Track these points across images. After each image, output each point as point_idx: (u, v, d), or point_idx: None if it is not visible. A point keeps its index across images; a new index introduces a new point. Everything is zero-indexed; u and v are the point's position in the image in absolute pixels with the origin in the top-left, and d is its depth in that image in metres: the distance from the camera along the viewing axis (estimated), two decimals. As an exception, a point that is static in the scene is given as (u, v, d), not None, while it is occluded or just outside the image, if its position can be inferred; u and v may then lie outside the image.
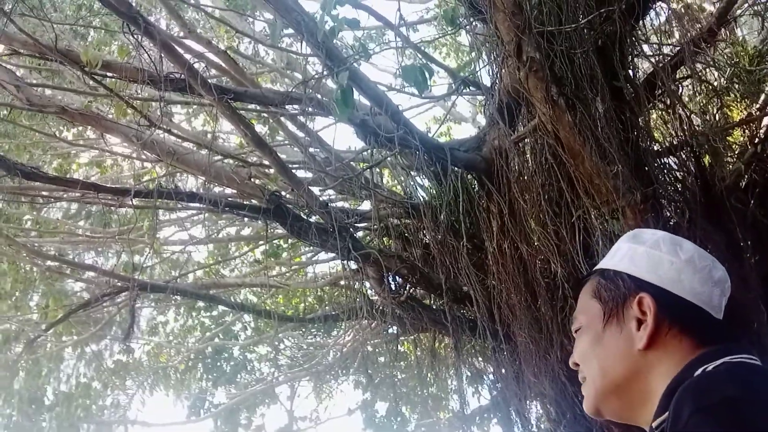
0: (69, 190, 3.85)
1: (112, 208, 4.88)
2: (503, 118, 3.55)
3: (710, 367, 0.91)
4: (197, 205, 3.75)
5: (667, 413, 0.88)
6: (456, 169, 3.90)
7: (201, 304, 7.92)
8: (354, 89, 3.01)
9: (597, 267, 1.17)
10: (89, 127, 4.16)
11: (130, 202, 3.71)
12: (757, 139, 4.32)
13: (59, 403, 8.52)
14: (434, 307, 4.51)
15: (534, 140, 3.41)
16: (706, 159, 4.14)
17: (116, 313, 5.86)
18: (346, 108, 2.74)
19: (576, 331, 1.14)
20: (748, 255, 4.24)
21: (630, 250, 1.10)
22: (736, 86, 4.74)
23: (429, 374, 7.47)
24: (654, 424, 0.93)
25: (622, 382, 1.02)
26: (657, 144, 4.09)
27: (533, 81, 3.08)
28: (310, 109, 3.54)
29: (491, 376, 6.05)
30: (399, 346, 7.27)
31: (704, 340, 0.99)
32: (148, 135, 3.59)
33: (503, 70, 3.53)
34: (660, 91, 4.05)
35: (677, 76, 4.27)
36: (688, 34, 4.02)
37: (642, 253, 1.08)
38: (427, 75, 2.67)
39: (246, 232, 7.51)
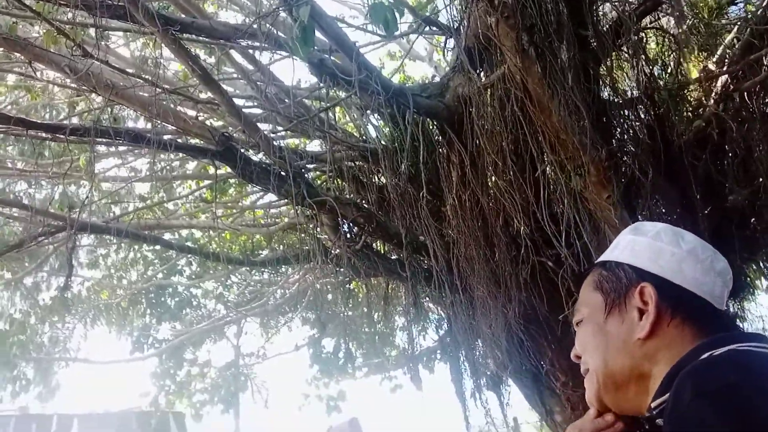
0: (-5, 123, 3.49)
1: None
2: (468, 65, 3.38)
3: (716, 352, 0.90)
4: (139, 145, 3.46)
5: (667, 395, 0.88)
6: (416, 115, 3.74)
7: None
8: (314, 26, 2.77)
9: (599, 260, 1.16)
10: (15, 53, 3.75)
11: (65, 139, 3.39)
12: (714, 96, 4.31)
13: (-7, 340, 8.20)
14: (390, 256, 4.43)
15: (500, 90, 3.26)
16: (666, 114, 4.12)
17: (53, 251, 5.54)
18: (306, 47, 2.51)
19: (578, 324, 1.13)
20: (698, 208, 4.31)
21: (631, 241, 1.10)
22: (695, 38, 4.70)
23: (378, 314, 7.53)
24: (653, 405, 0.93)
25: (624, 372, 1.01)
26: (618, 97, 4.03)
27: (504, 28, 2.91)
28: (263, 44, 3.26)
29: (440, 319, 6.13)
30: (349, 285, 7.25)
31: (707, 330, 0.98)
32: (82, 66, 3.25)
33: (471, 14, 3.33)
34: (623, 40, 3.95)
35: (641, 26, 4.18)
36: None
37: (644, 244, 1.07)
38: (397, 15, 2.45)
39: (191, 165, 7.18)
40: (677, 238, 1.06)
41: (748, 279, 5.07)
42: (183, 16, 3.80)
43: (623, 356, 1.01)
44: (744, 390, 0.79)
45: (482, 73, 3.62)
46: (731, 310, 5.13)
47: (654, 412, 0.93)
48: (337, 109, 6.23)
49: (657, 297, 1.00)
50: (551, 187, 3.30)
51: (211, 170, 6.44)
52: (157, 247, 8.64)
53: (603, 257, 1.14)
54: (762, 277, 5.44)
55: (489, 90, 3.36)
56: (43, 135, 3.81)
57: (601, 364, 1.04)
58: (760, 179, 4.08)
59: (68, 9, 3.07)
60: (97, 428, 11.64)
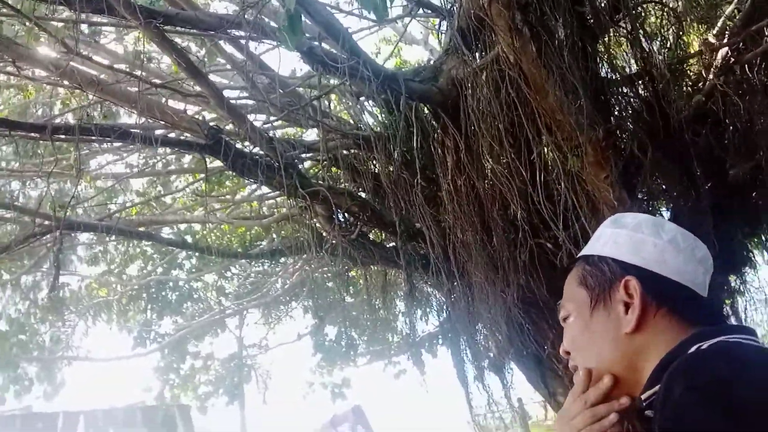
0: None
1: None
2: (461, 47, 3.29)
3: (705, 345, 0.88)
4: (127, 141, 3.39)
5: (657, 387, 0.87)
6: (410, 100, 3.66)
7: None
8: (302, 14, 2.68)
9: (581, 254, 1.14)
10: (-2, 51, 3.66)
11: (49, 138, 3.32)
12: (715, 69, 4.22)
13: (-6, 341, 8.16)
14: (386, 244, 4.37)
15: (494, 72, 3.18)
16: (665, 89, 4.04)
17: (48, 251, 5.47)
18: (294, 36, 2.43)
19: (564, 320, 1.12)
20: (699, 184, 4.24)
21: (613, 234, 1.08)
22: (695, 11, 4.61)
23: (378, 301, 7.49)
24: (642, 397, 0.92)
25: (614, 367, 0.99)
26: (616, 74, 3.95)
27: (497, 7, 2.83)
28: (251, 35, 3.18)
29: (441, 303, 6.10)
30: (348, 273, 7.21)
31: (693, 319, 0.97)
32: (65, 63, 3.17)
33: (463, -6, 3.24)
34: (621, 15, 3.86)
35: (639, 0, 4.09)
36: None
37: (625, 236, 1.06)
38: (387, 0, 2.37)
39: (188, 159, 7.09)
40: (657, 229, 1.05)
41: (750, 253, 5.02)
42: (169, 7, 3.71)
43: (611, 351, 1.00)
44: (734, 383, 0.78)
45: (476, 55, 3.54)
46: (733, 284, 5.10)
47: (643, 404, 0.92)
48: (332, 96, 6.15)
49: (642, 289, 0.99)
50: (548, 168, 3.23)
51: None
52: (155, 242, 8.57)
53: (585, 251, 1.12)
54: (764, 251, 5.40)
55: (483, 72, 3.28)
56: (29, 137, 3.74)
57: (590, 360, 1.02)
58: (762, 153, 4.01)
59: (47, 4, 2.98)
60: (103, 424, 11.67)
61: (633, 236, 1.05)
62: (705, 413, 0.76)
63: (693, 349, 0.88)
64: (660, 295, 0.98)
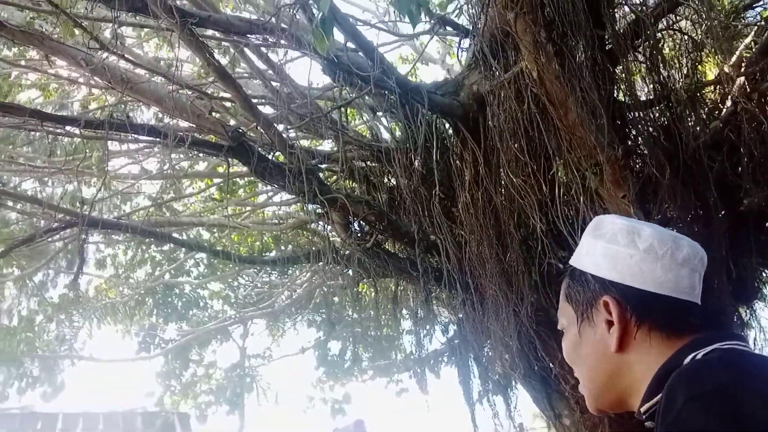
0: (9, 116, 3.50)
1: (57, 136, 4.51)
2: (485, 62, 3.36)
3: (700, 354, 0.89)
4: (154, 139, 3.46)
5: (657, 398, 0.88)
6: (430, 113, 3.72)
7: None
8: (333, 19, 2.75)
9: (569, 262, 1.13)
10: (32, 46, 3.76)
11: (78, 132, 3.39)
12: (731, 98, 4.27)
13: (1, 337, 8.20)
14: (400, 255, 4.40)
15: (517, 87, 3.24)
16: (681, 116, 4.09)
17: (62, 249, 5.53)
18: (326, 41, 2.50)
19: (562, 332, 1.12)
20: (713, 211, 4.26)
21: (591, 246, 1.06)
22: (711, 41, 4.67)
23: (385, 316, 7.49)
24: (642, 409, 0.92)
25: (607, 382, 1.01)
26: (634, 98, 4.00)
27: (523, 23, 2.89)
28: (280, 40, 3.26)
29: (448, 321, 6.10)
30: (357, 287, 7.23)
31: (680, 330, 0.96)
32: (98, 59, 3.25)
33: (489, 10, 3.31)
34: (640, 41, 3.93)
35: (658, 27, 4.16)
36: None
37: (601, 249, 1.03)
38: (421, 7, 2.42)
39: (201, 166, 7.18)
40: (633, 238, 1.01)
41: (762, 285, 5.00)
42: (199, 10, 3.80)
43: (602, 368, 1.01)
44: (736, 392, 0.79)
45: (497, 72, 3.60)
46: (743, 315, 5.06)
47: (644, 416, 0.92)
48: (348, 111, 6.23)
49: (619, 310, 0.98)
50: (566, 185, 3.27)
51: (221, 169, 6.45)
52: (165, 247, 8.65)
53: (572, 260, 1.11)
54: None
55: (505, 87, 3.34)
56: (57, 130, 3.82)
57: (586, 375, 1.04)
58: (777, 182, 4.03)
59: (86, 1, 3.07)
60: (102, 428, 11.62)
61: (609, 249, 1.02)
62: (707, 422, 0.76)
63: (689, 359, 0.89)
64: (641, 311, 0.97)
